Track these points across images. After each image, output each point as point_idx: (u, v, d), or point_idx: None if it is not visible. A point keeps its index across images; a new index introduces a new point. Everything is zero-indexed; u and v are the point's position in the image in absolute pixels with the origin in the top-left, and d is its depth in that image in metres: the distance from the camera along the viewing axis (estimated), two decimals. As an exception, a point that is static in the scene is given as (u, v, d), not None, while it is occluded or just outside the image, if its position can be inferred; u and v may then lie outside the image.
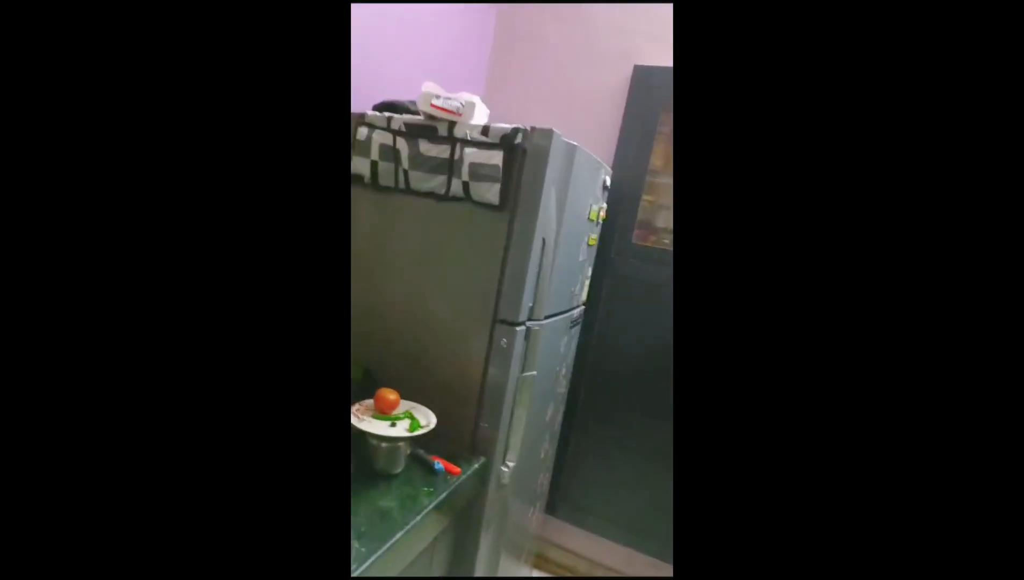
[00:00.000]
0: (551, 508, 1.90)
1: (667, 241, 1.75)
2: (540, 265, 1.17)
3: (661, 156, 1.73)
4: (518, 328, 1.15)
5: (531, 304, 1.18)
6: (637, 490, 1.78)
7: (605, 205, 1.59)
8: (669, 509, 1.71)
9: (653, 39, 1.69)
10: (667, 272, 1.67)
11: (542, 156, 1.08)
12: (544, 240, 1.15)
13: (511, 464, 1.24)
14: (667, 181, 1.75)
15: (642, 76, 1.68)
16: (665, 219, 1.81)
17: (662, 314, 1.69)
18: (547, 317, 1.27)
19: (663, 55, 1.67)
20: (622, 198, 1.71)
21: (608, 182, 1.53)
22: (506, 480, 1.24)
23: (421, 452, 1.10)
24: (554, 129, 1.07)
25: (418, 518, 0.94)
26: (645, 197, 1.75)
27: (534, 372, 1.25)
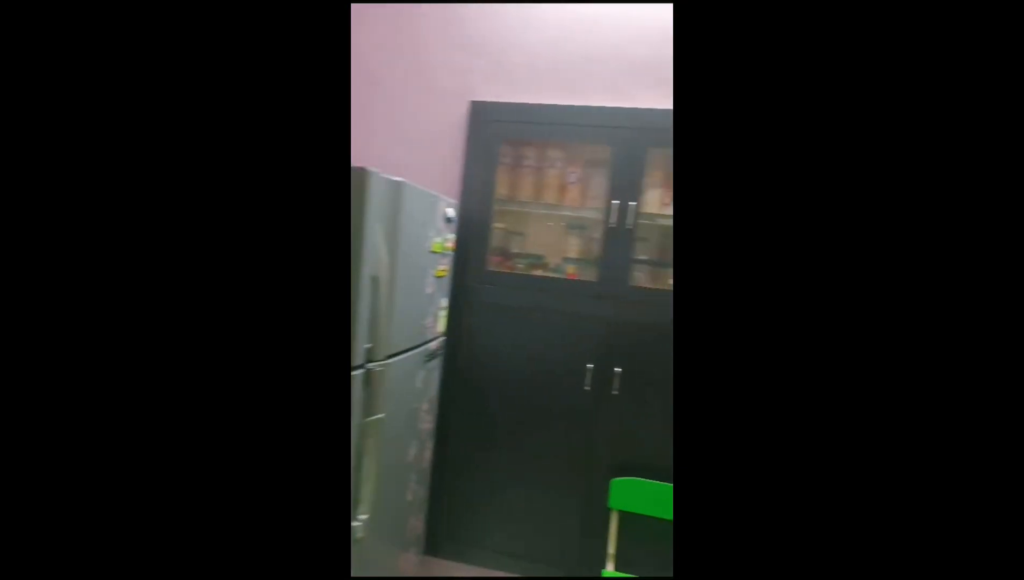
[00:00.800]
0: (432, 549, 1.83)
1: (521, 266, 1.82)
2: (373, 304, 1.14)
3: (506, 185, 1.81)
4: (354, 372, 1.11)
5: (368, 345, 1.15)
6: (524, 515, 1.78)
7: (452, 236, 1.62)
8: (559, 530, 1.73)
9: (487, 76, 1.77)
10: (528, 296, 1.73)
11: (358, 196, 1.07)
12: (374, 278, 1.13)
13: (363, 517, 1.17)
14: (516, 209, 1.82)
15: (479, 111, 1.75)
16: (519, 245, 1.88)
17: (528, 336, 1.73)
18: (391, 355, 1.24)
19: (498, 90, 1.76)
20: (472, 227, 1.75)
21: (451, 214, 1.56)
22: (360, 534, 1.17)
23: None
24: (369, 168, 1.07)
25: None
26: (496, 225, 1.81)
27: (382, 415, 1.20)
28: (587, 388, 1.68)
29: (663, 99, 1.65)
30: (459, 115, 1.79)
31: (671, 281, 1.71)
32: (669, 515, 1.60)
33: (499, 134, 1.74)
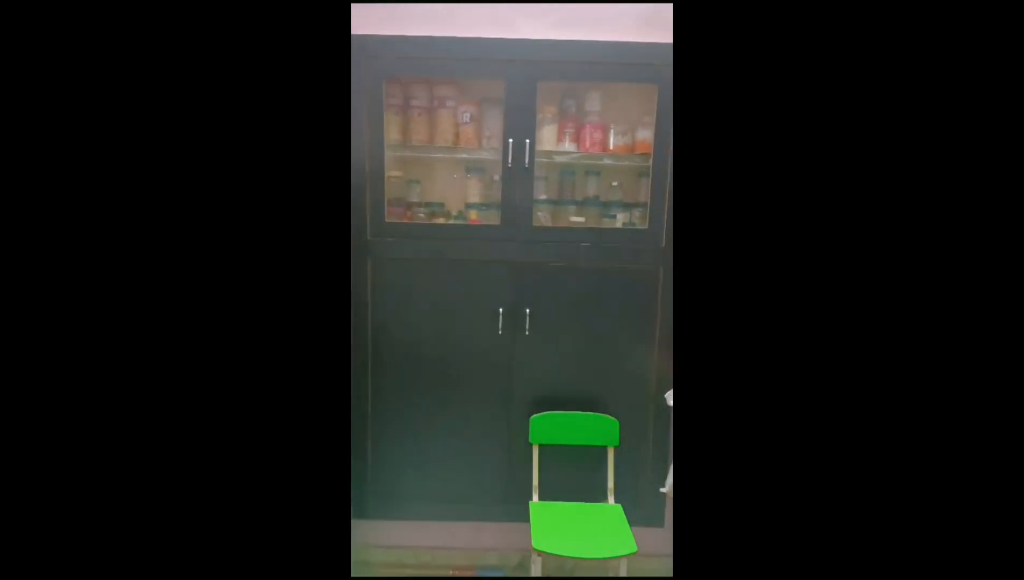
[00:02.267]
0: (360, 512, 1.80)
1: (422, 215, 1.75)
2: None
3: (397, 129, 1.69)
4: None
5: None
6: (452, 463, 1.79)
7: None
8: (487, 470, 1.77)
9: (364, 7, 1.60)
10: (432, 246, 1.66)
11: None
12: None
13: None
14: (411, 154, 1.72)
15: (358, 47, 1.59)
16: (417, 193, 1.79)
17: (437, 287, 1.68)
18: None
19: (376, 23, 1.61)
20: (364, 177, 1.63)
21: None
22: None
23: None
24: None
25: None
26: (390, 173, 1.70)
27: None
28: (500, 332, 1.68)
29: (550, 29, 1.60)
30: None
31: (572, 218, 1.73)
32: (585, 442, 1.70)
33: (382, 71, 1.60)
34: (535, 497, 1.69)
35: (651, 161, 1.63)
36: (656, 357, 1.71)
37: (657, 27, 1.60)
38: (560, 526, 1.57)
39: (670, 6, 1.58)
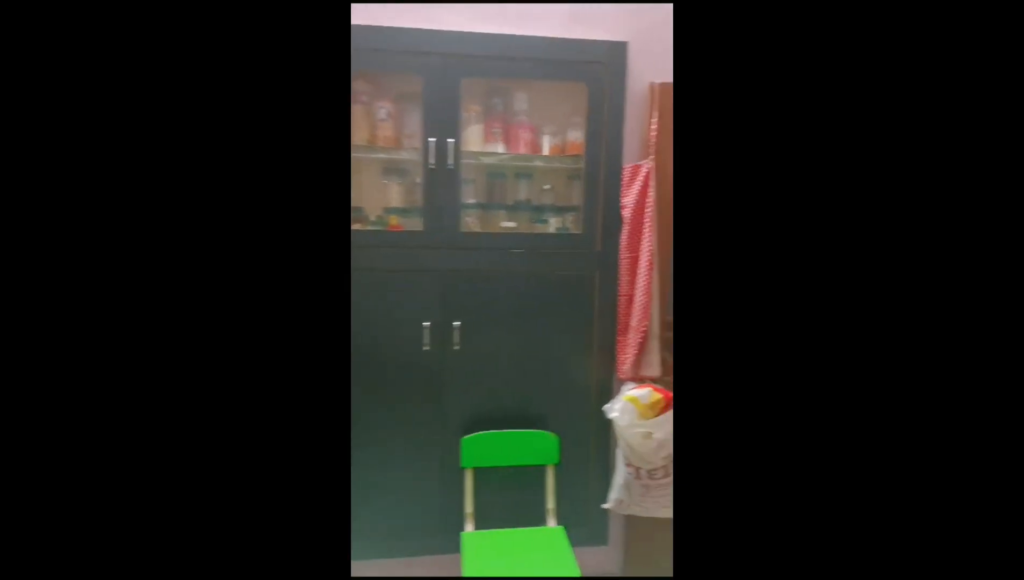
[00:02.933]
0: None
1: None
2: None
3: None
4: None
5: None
6: (374, 495, 1.61)
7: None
8: (412, 503, 1.60)
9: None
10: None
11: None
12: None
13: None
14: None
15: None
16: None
17: (355, 300, 1.50)
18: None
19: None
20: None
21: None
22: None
23: None
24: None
25: None
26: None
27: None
28: (426, 348, 1.54)
29: (472, 22, 1.49)
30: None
31: (503, 223, 1.63)
32: (522, 462, 1.58)
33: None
34: (469, 526, 1.56)
35: (583, 163, 1.56)
36: (596, 367, 1.63)
37: (585, 23, 1.53)
38: (496, 555, 1.45)
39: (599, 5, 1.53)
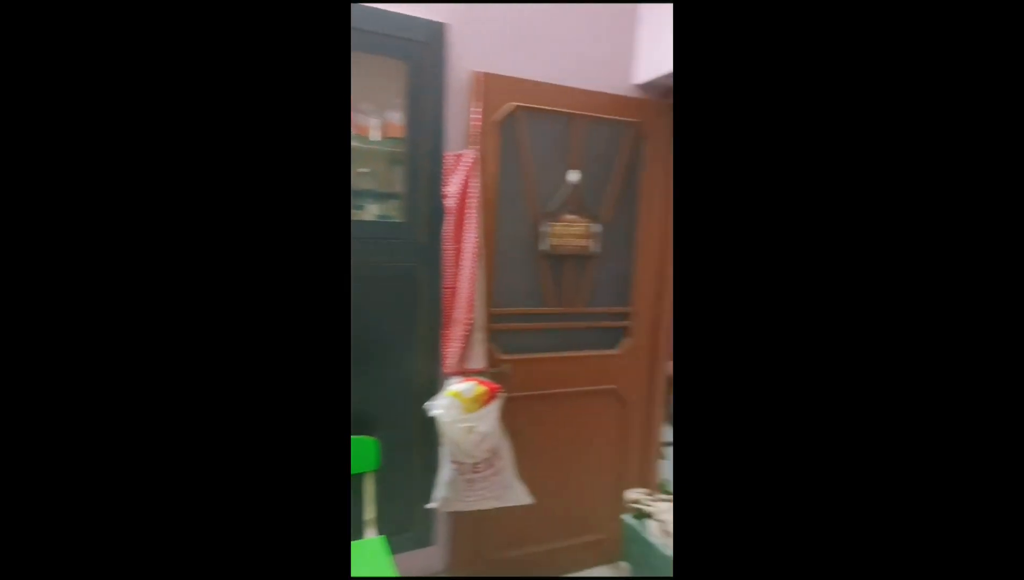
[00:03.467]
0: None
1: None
2: None
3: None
4: None
5: None
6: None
7: None
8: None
9: None
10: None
11: None
12: None
13: None
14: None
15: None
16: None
17: None
18: None
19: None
20: None
21: None
22: None
23: None
24: None
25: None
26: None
27: None
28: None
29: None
30: None
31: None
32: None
33: None
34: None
35: (405, 147, 1.46)
36: (419, 364, 1.56)
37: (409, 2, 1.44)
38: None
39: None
